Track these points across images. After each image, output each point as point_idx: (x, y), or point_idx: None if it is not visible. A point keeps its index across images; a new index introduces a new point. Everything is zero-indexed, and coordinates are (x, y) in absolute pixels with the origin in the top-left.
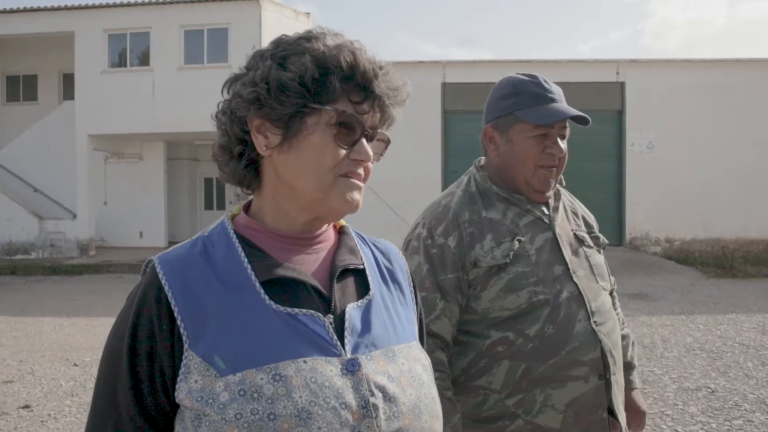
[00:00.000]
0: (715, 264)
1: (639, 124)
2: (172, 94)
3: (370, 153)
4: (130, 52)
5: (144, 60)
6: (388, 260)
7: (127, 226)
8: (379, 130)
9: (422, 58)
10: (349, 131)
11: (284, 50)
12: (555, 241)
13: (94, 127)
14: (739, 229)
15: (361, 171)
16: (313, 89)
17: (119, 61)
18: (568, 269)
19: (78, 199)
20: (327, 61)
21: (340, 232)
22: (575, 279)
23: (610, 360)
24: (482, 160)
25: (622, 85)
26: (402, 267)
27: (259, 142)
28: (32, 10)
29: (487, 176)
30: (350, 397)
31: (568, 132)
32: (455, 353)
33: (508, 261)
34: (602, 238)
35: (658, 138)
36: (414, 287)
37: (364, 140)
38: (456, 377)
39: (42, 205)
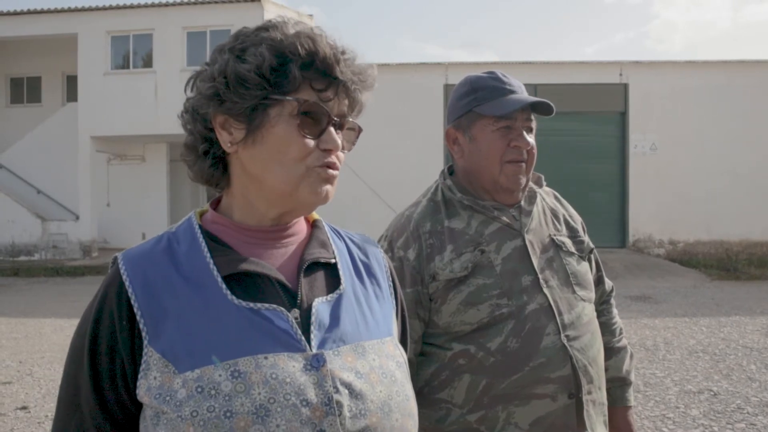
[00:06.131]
0: (719, 266)
1: (642, 126)
2: (175, 95)
3: (338, 142)
4: (132, 54)
5: (147, 62)
6: (365, 254)
7: (130, 227)
8: (348, 118)
9: (425, 59)
10: (314, 121)
11: (242, 42)
12: (524, 249)
13: (97, 129)
14: (743, 232)
15: (334, 160)
16: (272, 79)
17: (122, 62)
18: (537, 279)
19: (80, 200)
20: (284, 49)
21: (313, 226)
22: (545, 290)
23: (584, 378)
24: (450, 166)
25: (625, 86)
26: (380, 261)
27: (224, 138)
28: (35, 12)
29: (454, 183)
30: (312, 394)
31: (534, 125)
32: (419, 364)
33: (467, 273)
34: (587, 243)
35: (662, 140)
36: (393, 282)
37: (331, 129)
38: (419, 389)
39: (45, 207)
